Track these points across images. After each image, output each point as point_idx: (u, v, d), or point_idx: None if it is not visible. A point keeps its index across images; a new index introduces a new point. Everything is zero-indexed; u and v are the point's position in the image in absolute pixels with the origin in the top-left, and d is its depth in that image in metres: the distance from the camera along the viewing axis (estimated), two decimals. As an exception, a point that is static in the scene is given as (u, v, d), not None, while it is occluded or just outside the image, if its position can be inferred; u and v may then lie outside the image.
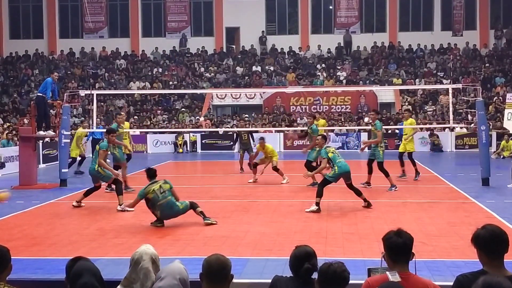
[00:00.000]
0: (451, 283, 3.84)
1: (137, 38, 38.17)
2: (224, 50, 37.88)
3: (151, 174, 10.41)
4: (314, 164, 14.85)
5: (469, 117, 27.72)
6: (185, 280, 3.75)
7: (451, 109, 18.07)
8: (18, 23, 38.78)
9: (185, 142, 29.11)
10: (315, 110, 31.88)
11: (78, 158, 18.92)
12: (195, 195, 14.06)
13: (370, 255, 7.78)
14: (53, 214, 11.89)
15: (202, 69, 36.32)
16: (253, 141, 18.96)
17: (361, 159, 24.76)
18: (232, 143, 28.05)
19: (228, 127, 29.91)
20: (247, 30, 37.39)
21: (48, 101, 16.17)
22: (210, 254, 3.70)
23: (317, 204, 11.32)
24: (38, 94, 16.58)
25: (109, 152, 13.29)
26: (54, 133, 16.95)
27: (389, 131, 26.70)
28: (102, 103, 32.67)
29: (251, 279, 6.03)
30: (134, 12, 38.12)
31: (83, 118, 23.44)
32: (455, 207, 11.87)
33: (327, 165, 11.62)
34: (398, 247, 3.79)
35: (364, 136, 28.42)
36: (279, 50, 37.24)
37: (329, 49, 37.00)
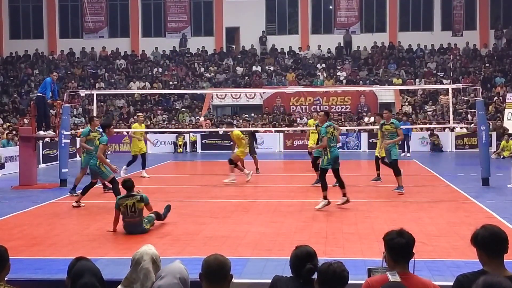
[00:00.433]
0: (451, 283, 3.84)
1: (137, 38, 38.18)
2: (224, 50, 37.88)
3: (127, 186, 9.81)
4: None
5: (469, 117, 27.72)
6: (185, 279, 3.76)
7: (451, 109, 18.09)
8: (18, 23, 38.78)
9: (185, 143, 29.11)
10: (315, 110, 31.94)
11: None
12: (195, 195, 14.08)
13: (370, 255, 7.78)
14: (53, 214, 11.89)
15: (202, 69, 36.32)
16: (256, 143, 18.67)
17: (361, 159, 24.82)
18: (232, 143, 28.09)
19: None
20: (247, 30, 37.39)
21: (48, 101, 16.16)
22: (210, 254, 3.70)
23: (325, 197, 11.52)
24: (38, 94, 16.59)
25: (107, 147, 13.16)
26: (54, 133, 16.95)
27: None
28: (102, 103, 32.68)
29: (251, 279, 6.03)
30: (134, 12, 38.12)
31: (139, 113, 22.01)
32: (455, 207, 11.87)
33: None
34: (400, 247, 3.79)
35: (364, 136, 28.45)
36: (279, 50, 37.24)
37: (329, 49, 37.01)
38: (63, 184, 15.69)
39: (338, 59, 36.44)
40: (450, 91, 18.58)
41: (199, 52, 37.52)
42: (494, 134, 26.70)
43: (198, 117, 31.90)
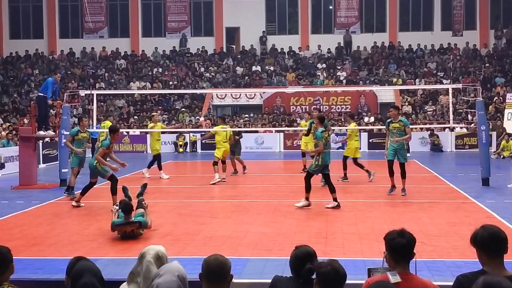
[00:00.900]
0: (451, 283, 3.84)
1: (137, 38, 38.18)
2: (224, 50, 37.89)
3: (126, 209, 9.22)
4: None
5: (469, 117, 27.72)
6: (183, 277, 3.76)
7: (451, 109, 18.05)
8: (18, 23, 38.78)
9: (185, 143, 29.11)
10: (315, 110, 31.91)
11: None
12: (195, 195, 14.07)
13: (370, 255, 7.78)
14: (53, 214, 11.89)
15: (202, 69, 36.32)
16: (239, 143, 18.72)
17: (361, 159, 24.76)
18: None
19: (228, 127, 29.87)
20: (247, 30, 37.39)
21: (48, 101, 16.16)
22: (210, 254, 3.70)
23: (307, 198, 11.79)
24: (39, 94, 16.59)
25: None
26: (54, 133, 16.95)
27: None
28: (102, 103, 32.68)
29: (251, 279, 6.03)
30: (134, 12, 38.12)
31: (155, 113, 21.70)
32: (455, 207, 11.87)
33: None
34: (401, 247, 3.78)
35: (364, 136, 28.43)
36: (279, 50, 37.24)
37: (329, 49, 37.00)
38: (63, 184, 15.67)
39: (338, 59, 36.44)
40: (450, 91, 18.53)
41: (199, 52, 37.52)
42: (494, 134, 26.71)
43: (198, 117, 31.90)
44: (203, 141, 26.53)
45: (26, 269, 7.22)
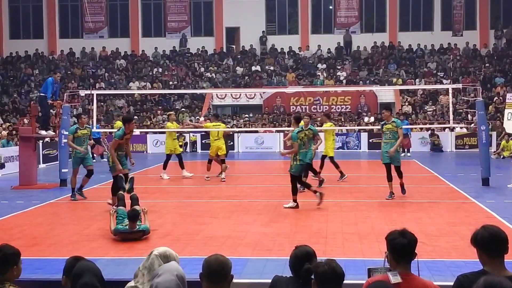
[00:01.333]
0: (451, 283, 3.84)
1: (137, 38, 38.18)
2: (224, 50, 37.88)
3: (132, 216, 9.19)
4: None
5: (469, 117, 27.72)
6: (182, 277, 3.77)
7: (451, 109, 18.07)
8: (18, 23, 38.77)
9: (185, 144, 29.10)
10: (316, 110, 31.95)
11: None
12: (195, 195, 14.08)
13: (370, 255, 7.78)
14: (53, 214, 11.89)
15: (202, 69, 36.33)
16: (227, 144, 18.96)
17: (361, 159, 24.83)
18: (232, 142, 28.13)
19: (228, 127, 29.91)
20: (247, 30, 37.39)
21: (48, 101, 16.16)
22: (210, 254, 3.70)
23: (295, 200, 11.87)
24: (41, 94, 16.60)
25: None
26: (54, 133, 16.95)
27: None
28: (102, 103, 32.68)
29: (251, 279, 6.03)
30: (134, 12, 38.12)
31: (170, 112, 21.31)
32: (455, 207, 11.87)
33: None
34: (402, 247, 3.77)
35: (364, 136, 28.45)
36: (279, 50, 37.24)
37: (329, 49, 36.99)
38: (63, 184, 15.69)
39: (338, 59, 36.44)
40: (450, 91, 18.55)
41: (199, 52, 37.52)
42: (494, 134, 26.71)
43: (198, 117, 31.89)
44: (203, 141, 26.59)
45: (26, 269, 7.16)
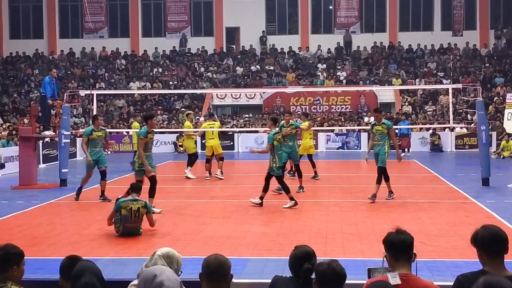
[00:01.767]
0: (451, 283, 3.84)
1: (137, 38, 38.18)
2: (224, 50, 37.88)
3: (136, 188, 9.58)
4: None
5: (469, 117, 27.72)
6: (178, 280, 3.77)
7: (451, 109, 18.08)
8: (18, 23, 38.77)
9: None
10: (316, 110, 31.96)
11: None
12: (195, 195, 14.09)
13: (370, 255, 7.78)
14: (53, 214, 11.89)
15: (202, 69, 36.32)
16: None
17: (361, 159, 24.75)
18: (232, 142, 28.16)
19: (228, 127, 29.93)
20: (247, 30, 37.39)
21: (48, 101, 16.15)
22: (210, 254, 3.70)
23: (291, 198, 11.95)
24: (41, 94, 16.60)
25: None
26: (54, 133, 16.95)
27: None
28: (102, 103, 32.68)
29: (251, 279, 6.03)
30: (134, 12, 38.12)
31: (189, 111, 21.14)
32: (455, 207, 11.87)
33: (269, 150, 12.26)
34: (399, 242, 3.77)
35: (364, 136, 28.43)
36: (279, 50, 37.24)
37: (329, 49, 36.99)
38: (63, 184, 15.68)
39: (338, 59, 36.43)
40: (450, 91, 18.57)
41: (199, 52, 37.52)
42: (494, 134, 26.71)
43: (198, 117, 31.88)
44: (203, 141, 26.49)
45: (26, 269, 7.13)
